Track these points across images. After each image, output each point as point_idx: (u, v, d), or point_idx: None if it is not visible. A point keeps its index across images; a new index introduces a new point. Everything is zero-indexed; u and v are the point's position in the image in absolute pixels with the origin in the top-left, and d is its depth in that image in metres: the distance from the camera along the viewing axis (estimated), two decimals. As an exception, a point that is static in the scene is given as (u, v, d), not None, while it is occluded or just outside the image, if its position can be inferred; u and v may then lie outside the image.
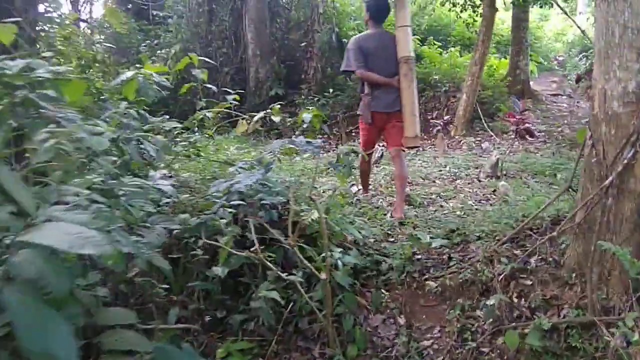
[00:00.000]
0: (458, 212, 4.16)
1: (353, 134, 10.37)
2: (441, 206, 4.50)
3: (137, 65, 3.47)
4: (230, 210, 2.85)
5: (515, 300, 2.61)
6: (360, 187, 5.03)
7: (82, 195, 1.76)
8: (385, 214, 4.18)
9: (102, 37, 12.99)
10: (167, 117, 8.35)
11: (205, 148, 6.50)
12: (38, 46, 3.67)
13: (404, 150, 4.21)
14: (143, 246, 1.89)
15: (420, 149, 8.87)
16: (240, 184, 2.46)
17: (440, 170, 6.46)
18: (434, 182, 5.87)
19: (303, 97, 10.88)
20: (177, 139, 7.81)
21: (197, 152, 6.57)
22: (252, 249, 2.44)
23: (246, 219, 2.71)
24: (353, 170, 3.36)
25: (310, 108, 4.02)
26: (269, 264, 2.43)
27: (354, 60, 4.14)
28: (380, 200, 4.93)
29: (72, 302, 1.60)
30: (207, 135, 7.47)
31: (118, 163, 3.63)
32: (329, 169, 5.40)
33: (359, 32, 13.06)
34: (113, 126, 3.13)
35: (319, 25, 11.63)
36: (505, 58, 11.98)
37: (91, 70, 4.28)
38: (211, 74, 11.29)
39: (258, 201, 2.79)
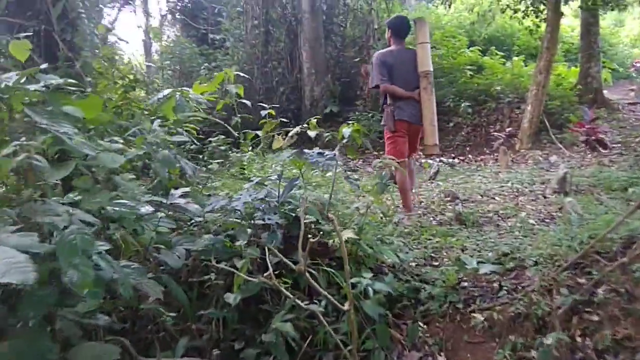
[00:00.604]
0: (516, 232, 3.71)
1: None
2: (497, 226, 4.05)
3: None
4: (249, 229, 2.65)
5: (579, 339, 2.18)
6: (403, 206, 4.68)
7: (63, 214, 1.60)
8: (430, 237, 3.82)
9: (168, 62, 13.54)
10: (223, 136, 8.38)
11: (250, 166, 6.41)
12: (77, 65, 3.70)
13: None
14: (132, 272, 1.71)
15: (482, 163, 8.36)
16: (239, 202, 2.24)
17: (502, 186, 5.95)
18: (493, 198, 5.40)
19: (358, 113, 10.64)
20: (229, 158, 7.82)
21: (241, 171, 6.51)
22: (265, 274, 2.20)
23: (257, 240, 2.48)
24: (387, 187, 3.06)
25: (351, 122, 3.80)
26: (284, 290, 2.17)
27: (377, 74, 4.40)
28: (431, 218, 4.56)
29: (40, 338, 1.44)
30: (256, 153, 7.44)
31: (153, 182, 3.55)
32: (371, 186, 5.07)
33: (413, 47, 12.85)
34: (138, 144, 3.05)
35: (374, 41, 11.43)
36: (575, 66, 11.16)
37: (135, 90, 4.30)
38: (267, 93, 11.41)
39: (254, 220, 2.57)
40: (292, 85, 11.56)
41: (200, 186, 5.30)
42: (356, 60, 11.37)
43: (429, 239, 3.61)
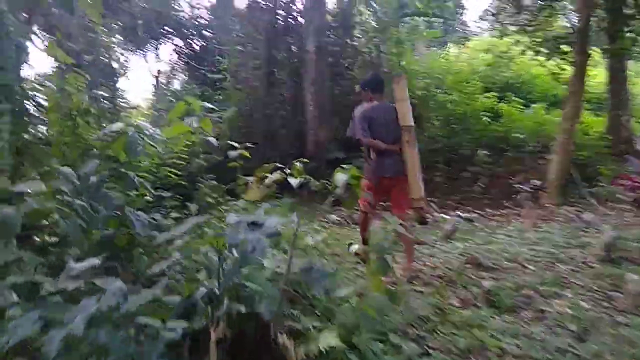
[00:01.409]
0: (570, 325, 2.73)
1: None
2: (541, 311, 3.07)
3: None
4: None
5: None
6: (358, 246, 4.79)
7: None
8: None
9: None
10: (215, 182, 7.51)
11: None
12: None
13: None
14: None
15: (504, 219, 7.41)
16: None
17: (532, 250, 5.00)
18: (524, 266, 4.43)
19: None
20: (223, 206, 6.95)
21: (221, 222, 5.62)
22: None
23: None
24: (389, 267, 2.16)
25: (347, 167, 2.98)
26: None
27: (359, 128, 4.42)
28: (450, 292, 3.59)
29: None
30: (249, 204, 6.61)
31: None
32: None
33: (428, 93, 12.29)
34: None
35: (384, 84, 10.76)
36: (599, 115, 10.36)
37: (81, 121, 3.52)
38: (269, 137, 10.66)
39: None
40: (295, 129, 10.83)
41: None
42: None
43: (453, 333, 2.63)
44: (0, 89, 2.71)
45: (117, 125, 3.22)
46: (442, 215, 7.07)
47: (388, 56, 11.03)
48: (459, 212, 7.46)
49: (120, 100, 20.22)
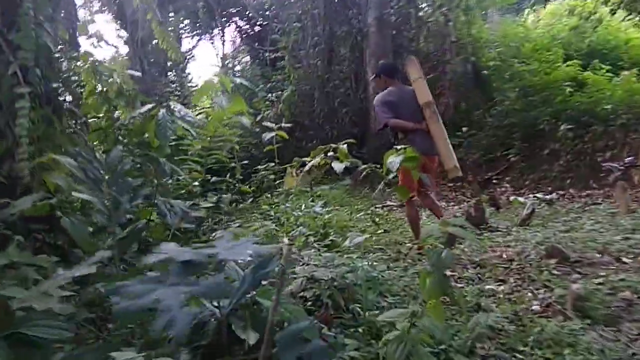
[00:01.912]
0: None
1: (494, 181, 8.34)
2: (648, 323, 2.49)
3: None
4: None
5: None
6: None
7: None
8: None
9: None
10: (272, 164, 7.28)
11: (276, 207, 5.22)
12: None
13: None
14: None
15: (590, 201, 6.60)
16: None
17: (627, 239, 4.29)
18: (619, 260, 3.77)
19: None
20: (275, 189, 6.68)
21: (269, 209, 5.32)
22: None
23: None
24: (448, 284, 1.70)
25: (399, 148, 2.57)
26: None
27: (382, 113, 4.49)
28: (529, 294, 3.06)
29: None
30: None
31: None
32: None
33: (501, 62, 11.27)
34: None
35: (451, 56, 9.98)
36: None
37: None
38: (329, 116, 10.26)
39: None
40: (357, 107, 10.34)
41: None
42: (430, 77, 9.94)
43: (535, 354, 2.12)
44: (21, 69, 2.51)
45: (147, 107, 2.97)
46: (516, 197, 6.36)
47: (456, 25, 10.20)
48: (536, 194, 6.72)
49: (189, 84, 20.59)
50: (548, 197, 7.10)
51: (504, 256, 4.11)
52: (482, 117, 8.95)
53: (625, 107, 7.88)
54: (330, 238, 4.06)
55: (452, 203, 7.72)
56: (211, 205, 4.52)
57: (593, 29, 10.77)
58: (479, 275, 3.58)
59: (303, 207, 4.95)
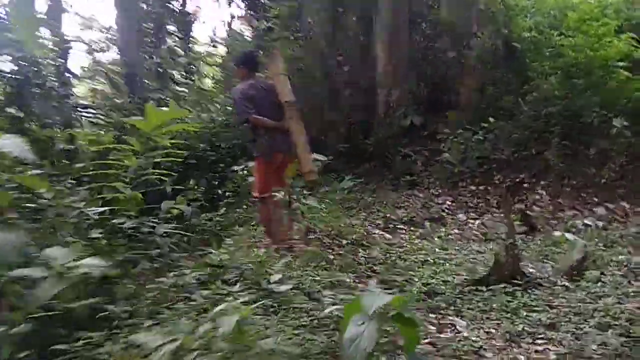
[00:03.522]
0: None
1: (525, 184, 6.77)
2: None
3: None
4: None
5: None
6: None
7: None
8: None
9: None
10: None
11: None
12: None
13: None
14: None
15: None
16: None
17: None
18: None
19: (450, 128, 7.60)
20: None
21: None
22: None
23: None
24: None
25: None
26: None
27: (243, 108, 4.31)
28: None
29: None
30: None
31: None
32: None
33: (539, 34, 9.52)
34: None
35: (478, 27, 8.30)
36: None
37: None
38: (331, 98, 8.73)
39: None
40: (362, 88, 8.77)
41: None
42: (451, 53, 8.30)
43: None
44: None
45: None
46: (564, 234, 4.80)
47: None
48: (585, 220, 5.21)
49: (193, 53, 19.10)
50: (597, 211, 5.61)
51: (553, 348, 2.65)
52: (513, 104, 7.31)
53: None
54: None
55: (473, 213, 6.25)
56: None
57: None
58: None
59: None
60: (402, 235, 5.28)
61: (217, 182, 7.60)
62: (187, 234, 4.71)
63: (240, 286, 2.85)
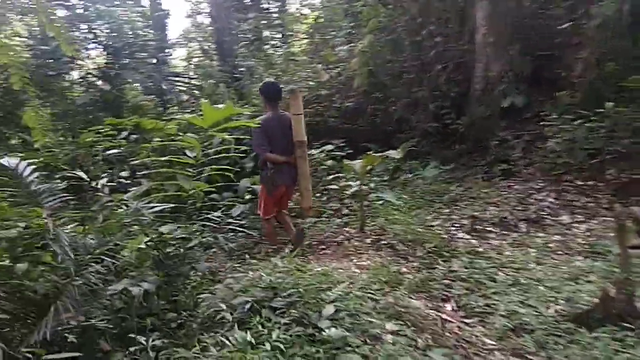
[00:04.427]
0: None
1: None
2: None
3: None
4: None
5: None
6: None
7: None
8: None
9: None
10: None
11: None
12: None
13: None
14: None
15: None
16: None
17: None
18: None
19: (558, 111, 6.61)
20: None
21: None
22: None
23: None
24: None
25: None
26: None
27: (259, 142, 4.67)
28: None
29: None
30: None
31: None
32: None
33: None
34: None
35: (600, -11, 7.04)
36: None
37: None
38: (420, 71, 7.99)
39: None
40: (457, 61, 7.93)
41: None
42: (564, 23, 7.16)
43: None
44: None
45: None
46: None
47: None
48: None
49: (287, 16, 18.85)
50: None
51: None
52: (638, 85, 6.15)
53: None
54: None
55: (579, 216, 5.40)
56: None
57: None
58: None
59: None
60: (491, 241, 4.64)
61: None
62: (250, 232, 4.51)
63: (286, 318, 2.53)
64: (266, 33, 18.73)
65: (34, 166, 2.76)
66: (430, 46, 7.89)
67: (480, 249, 4.39)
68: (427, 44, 7.91)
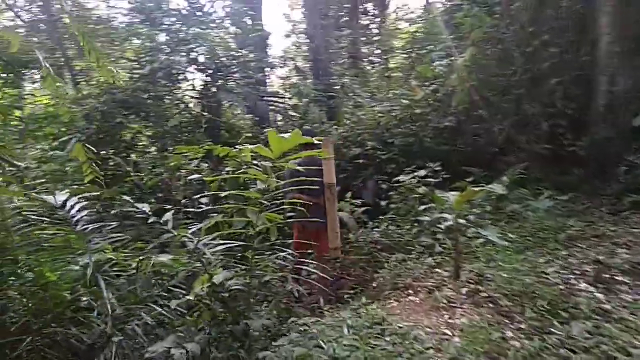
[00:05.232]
0: None
1: None
2: None
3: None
4: None
5: None
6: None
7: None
8: None
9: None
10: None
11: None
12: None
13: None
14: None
15: None
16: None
17: None
18: None
19: None
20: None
21: None
22: None
23: None
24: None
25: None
26: None
27: (290, 185, 4.47)
28: None
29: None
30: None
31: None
32: None
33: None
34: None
35: None
36: None
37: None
38: (531, 85, 7.10)
39: None
40: (575, 72, 6.92)
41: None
42: None
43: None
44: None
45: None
46: None
47: None
48: None
49: (386, 31, 18.48)
50: None
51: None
52: None
53: None
54: None
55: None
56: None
57: None
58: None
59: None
60: (623, 296, 3.73)
61: (384, 187, 6.78)
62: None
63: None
64: (364, 50, 18.47)
65: (83, 202, 2.55)
66: (544, 58, 6.98)
67: (608, 307, 3.52)
68: (539, 55, 7.01)
